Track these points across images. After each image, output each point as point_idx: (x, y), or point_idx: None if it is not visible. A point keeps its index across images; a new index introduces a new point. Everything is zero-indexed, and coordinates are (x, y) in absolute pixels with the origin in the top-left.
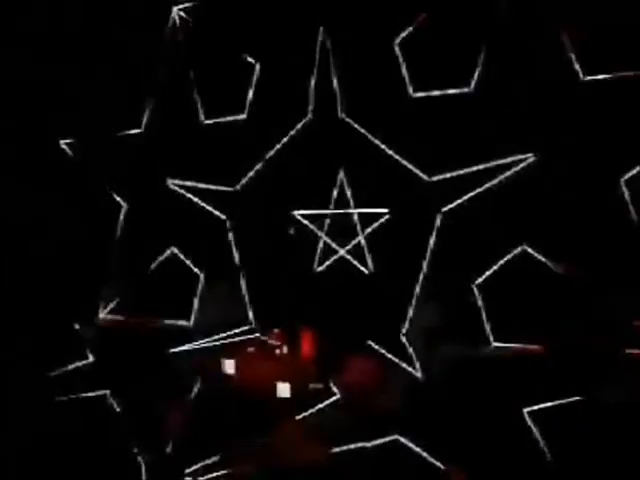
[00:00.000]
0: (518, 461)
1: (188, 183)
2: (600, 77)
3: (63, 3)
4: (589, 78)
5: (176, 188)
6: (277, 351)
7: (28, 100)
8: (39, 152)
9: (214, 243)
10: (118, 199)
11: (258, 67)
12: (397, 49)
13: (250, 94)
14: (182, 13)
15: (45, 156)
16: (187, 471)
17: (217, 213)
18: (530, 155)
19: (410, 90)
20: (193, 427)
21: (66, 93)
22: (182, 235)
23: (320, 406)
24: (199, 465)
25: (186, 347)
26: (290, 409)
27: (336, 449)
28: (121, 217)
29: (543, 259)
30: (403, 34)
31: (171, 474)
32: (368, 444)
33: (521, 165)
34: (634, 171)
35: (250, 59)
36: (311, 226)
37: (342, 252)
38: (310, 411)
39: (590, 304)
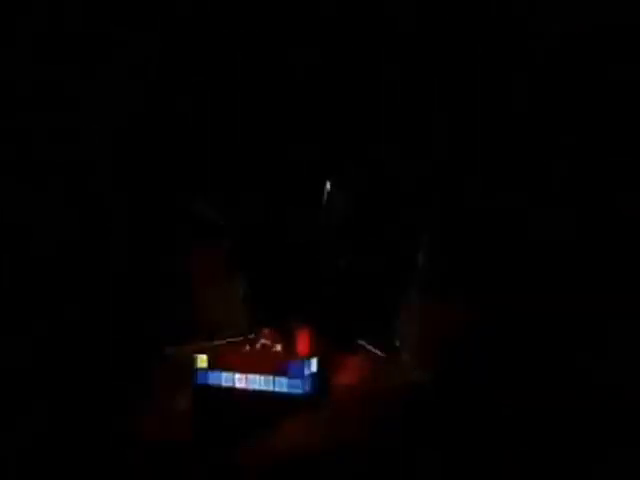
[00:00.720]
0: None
1: (186, 187)
2: None
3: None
4: None
5: (170, 195)
6: (272, 349)
7: (28, 100)
8: (39, 152)
9: (210, 246)
10: (116, 202)
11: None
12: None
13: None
14: None
15: (45, 156)
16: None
17: (213, 217)
18: None
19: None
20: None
21: (66, 93)
22: (178, 238)
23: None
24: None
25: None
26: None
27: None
28: (120, 221)
29: None
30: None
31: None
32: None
33: None
34: None
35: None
36: (301, 231)
37: (332, 255)
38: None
39: None
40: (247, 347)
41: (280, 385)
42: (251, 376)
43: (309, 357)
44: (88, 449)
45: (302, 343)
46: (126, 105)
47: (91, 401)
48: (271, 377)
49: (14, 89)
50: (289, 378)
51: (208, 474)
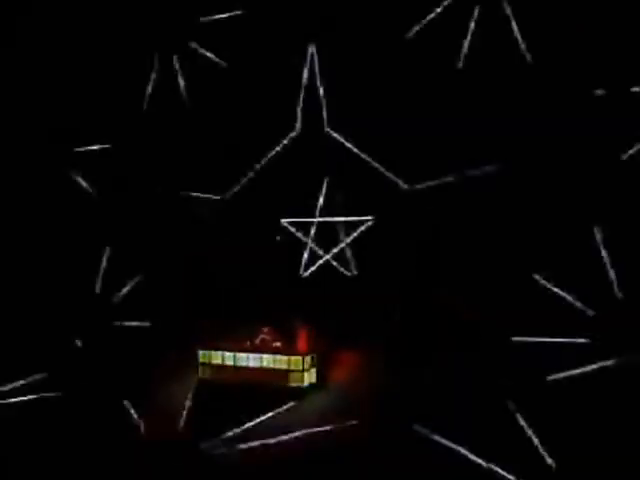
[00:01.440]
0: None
1: (181, 192)
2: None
3: (63, 11)
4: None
5: (168, 196)
6: (273, 345)
7: (27, 105)
8: (38, 158)
9: (206, 248)
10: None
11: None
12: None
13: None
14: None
15: (44, 162)
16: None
17: (208, 220)
18: (495, 167)
19: (393, 107)
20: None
21: (64, 99)
22: (175, 239)
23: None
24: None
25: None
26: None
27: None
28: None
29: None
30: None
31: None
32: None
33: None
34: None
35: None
36: (298, 233)
37: (327, 257)
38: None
39: None
40: (248, 343)
41: (280, 363)
42: (252, 355)
43: (308, 354)
44: (90, 446)
45: (302, 341)
46: (127, 108)
47: (92, 399)
48: (271, 355)
49: (15, 95)
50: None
51: (207, 471)
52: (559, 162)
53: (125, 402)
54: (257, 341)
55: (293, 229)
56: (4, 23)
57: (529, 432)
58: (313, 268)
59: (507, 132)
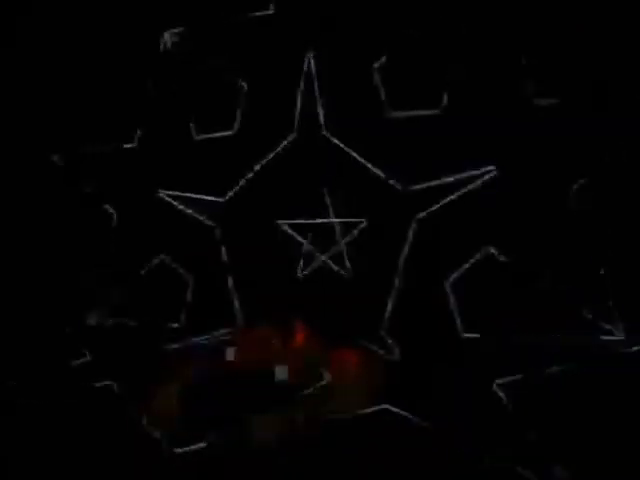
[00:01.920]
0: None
1: (179, 193)
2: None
3: (58, 17)
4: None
5: (167, 198)
6: (272, 344)
7: (20, 111)
8: (31, 161)
9: (203, 250)
10: (109, 208)
11: (246, 86)
12: (375, 73)
13: (238, 111)
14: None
15: (38, 165)
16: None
17: (207, 222)
18: (492, 168)
19: (387, 110)
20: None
21: (59, 104)
22: (172, 242)
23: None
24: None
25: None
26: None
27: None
28: (112, 225)
29: (506, 259)
30: (382, 59)
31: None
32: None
33: (485, 177)
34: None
35: (232, 76)
36: (295, 235)
37: (323, 258)
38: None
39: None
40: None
41: (279, 362)
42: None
43: (306, 353)
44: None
45: (300, 340)
46: (120, 119)
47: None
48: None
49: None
50: None
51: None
52: (560, 163)
53: (125, 400)
54: (257, 341)
55: (291, 231)
56: (4, 23)
57: (529, 433)
58: (311, 269)
59: (507, 132)
